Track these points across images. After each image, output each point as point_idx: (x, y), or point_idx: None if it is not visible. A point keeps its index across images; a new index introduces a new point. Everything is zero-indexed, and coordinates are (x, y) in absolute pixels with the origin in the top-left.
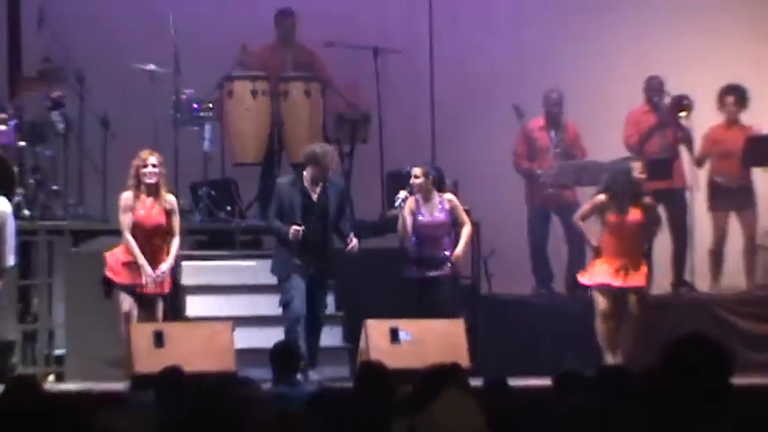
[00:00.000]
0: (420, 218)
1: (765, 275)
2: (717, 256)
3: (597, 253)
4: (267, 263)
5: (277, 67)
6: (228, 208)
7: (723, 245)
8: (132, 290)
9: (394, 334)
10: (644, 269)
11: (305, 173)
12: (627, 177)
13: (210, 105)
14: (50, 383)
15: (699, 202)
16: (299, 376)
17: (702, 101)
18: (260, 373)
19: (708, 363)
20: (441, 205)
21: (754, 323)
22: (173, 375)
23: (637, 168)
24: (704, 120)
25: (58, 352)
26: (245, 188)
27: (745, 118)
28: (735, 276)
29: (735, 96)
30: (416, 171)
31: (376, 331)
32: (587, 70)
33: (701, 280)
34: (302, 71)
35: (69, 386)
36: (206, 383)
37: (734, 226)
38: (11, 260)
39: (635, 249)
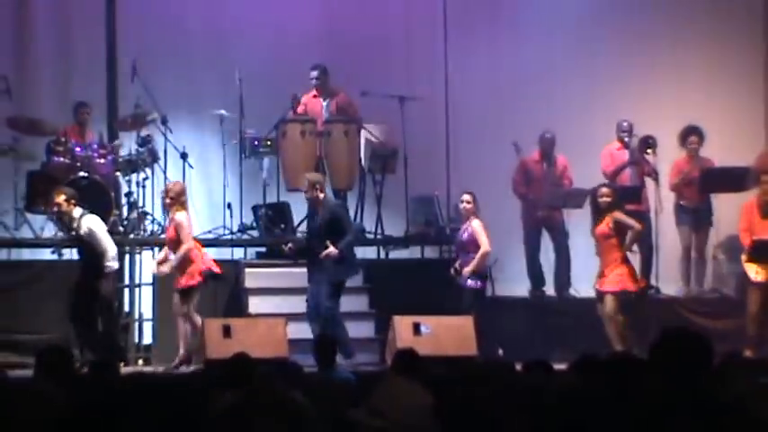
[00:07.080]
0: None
1: (716, 281)
2: (685, 262)
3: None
4: None
5: (319, 111)
6: (283, 225)
7: (689, 254)
8: None
9: (416, 327)
10: (615, 274)
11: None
12: (593, 198)
13: (269, 143)
14: (139, 366)
15: (663, 222)
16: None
17: (665, 139)
18: (308, 359)
19: (692, 351)
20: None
21: (708, 319)
22: (241, 359)
23: (603, 193)
24: (665, 155)
25: (145, 341)
26: (297, 209)
27: (703, 152)
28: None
29: (696, 136)
30: (468, 197)
31: (401, 325)
32: (573, 116)
33: (665, 284)
34: (341, 115)
35: (155, 369)
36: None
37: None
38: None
39: (605, 257)
